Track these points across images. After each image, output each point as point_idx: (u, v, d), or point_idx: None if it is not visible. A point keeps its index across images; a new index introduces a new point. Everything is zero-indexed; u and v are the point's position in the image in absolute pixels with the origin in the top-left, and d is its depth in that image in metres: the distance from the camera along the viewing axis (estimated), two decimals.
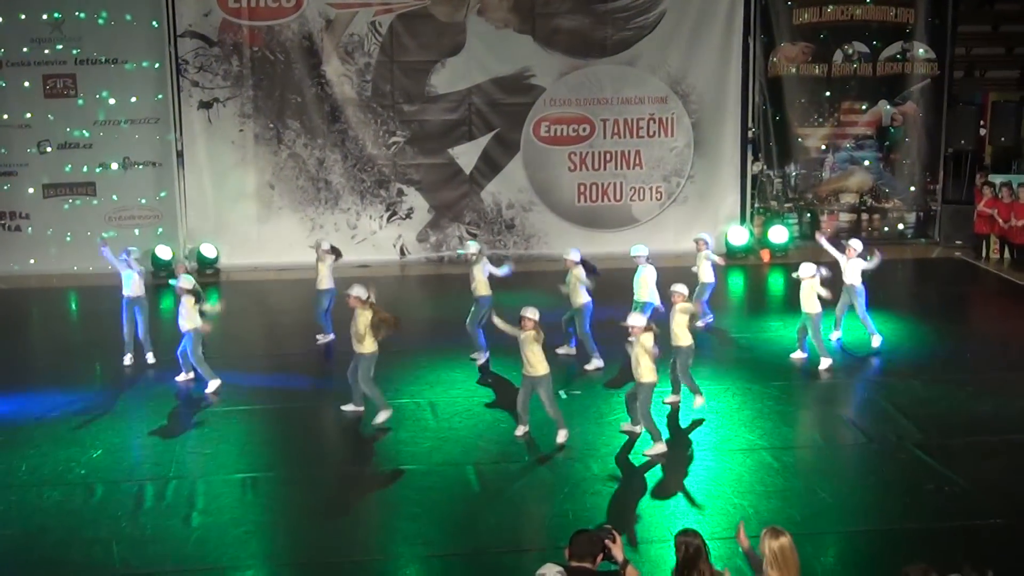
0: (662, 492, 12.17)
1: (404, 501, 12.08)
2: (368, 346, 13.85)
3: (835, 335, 16.97)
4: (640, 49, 23.08)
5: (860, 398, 15.20)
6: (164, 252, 21.78)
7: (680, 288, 14.15)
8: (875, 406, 14.71)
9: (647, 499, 12.04)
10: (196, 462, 13.10)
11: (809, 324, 15.82)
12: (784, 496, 12.03)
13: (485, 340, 16.29)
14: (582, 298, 15.85)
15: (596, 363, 16.05)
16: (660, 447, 13.13)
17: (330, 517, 11.72)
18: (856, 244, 16.76)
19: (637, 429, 13.55)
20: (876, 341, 16.67)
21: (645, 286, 16.27)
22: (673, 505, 11.86)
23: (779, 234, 23.36)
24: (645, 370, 12.95)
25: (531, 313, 13.15)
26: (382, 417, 13.99)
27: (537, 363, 13.18)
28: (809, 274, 15.67)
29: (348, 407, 14.43)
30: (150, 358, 16.45)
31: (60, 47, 21.78)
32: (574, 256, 15.97)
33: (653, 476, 12.58)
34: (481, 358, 16.39)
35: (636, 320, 13.04)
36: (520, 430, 13.65)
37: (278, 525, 11.68)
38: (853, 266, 16.51)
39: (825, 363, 15.85)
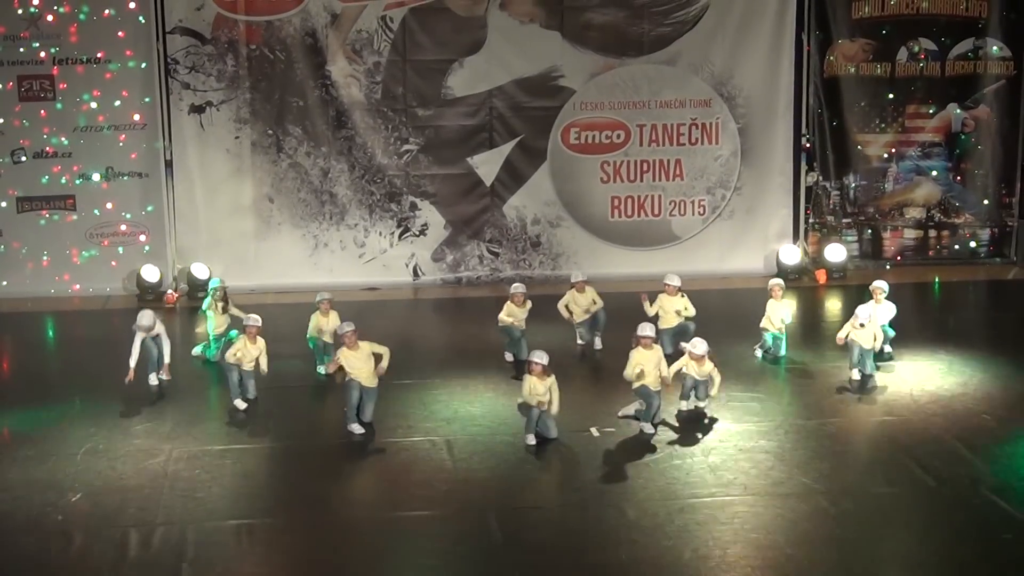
0: (706, 541, 12.13)
1: (418, 551, 12.08)
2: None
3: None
4: (681, 47, 23.09)
5: (928, 437, 15.11)
6: (151, 273, 21.91)
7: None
8: (945, 446, 14.63)
9: (689, 550, 11.99)
10: (186, 507, 13.09)
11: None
12: (842, 546, 11.98)
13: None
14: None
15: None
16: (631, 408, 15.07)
17: (335, 570, 11.74)
18: (883, 285, 17.46)
19: (632, 410, 15.15)
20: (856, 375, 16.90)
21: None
22: (719, 556, 11.82)
23: (836, 253, 23.31)
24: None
25: (538, 358, 14.26)
26: None
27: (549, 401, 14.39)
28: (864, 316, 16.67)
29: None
30: (152, 379, 16.88)
31: (36, 45, 21.91)
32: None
33: (697, 524, 12.54)
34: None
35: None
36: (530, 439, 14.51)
37: None
38: (884, 310, 17.34)
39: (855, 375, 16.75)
